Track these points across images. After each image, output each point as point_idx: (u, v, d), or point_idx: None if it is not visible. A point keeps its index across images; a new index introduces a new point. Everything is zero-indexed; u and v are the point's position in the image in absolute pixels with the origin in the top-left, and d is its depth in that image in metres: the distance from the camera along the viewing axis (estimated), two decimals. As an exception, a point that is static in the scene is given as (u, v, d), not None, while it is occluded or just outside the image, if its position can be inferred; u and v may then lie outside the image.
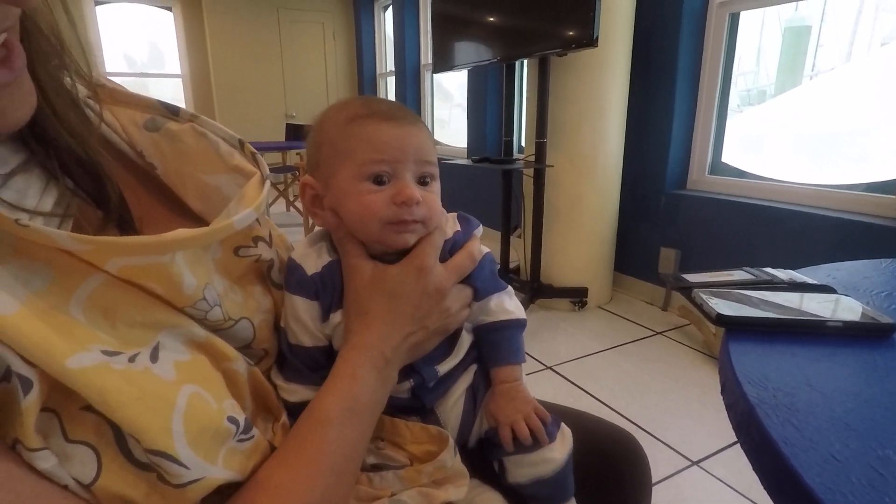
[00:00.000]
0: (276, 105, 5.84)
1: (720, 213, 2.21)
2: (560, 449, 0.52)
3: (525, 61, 2.48)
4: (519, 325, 0.54)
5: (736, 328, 0.46)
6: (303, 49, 5.85)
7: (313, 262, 0.49)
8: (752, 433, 0.34)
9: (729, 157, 2.36)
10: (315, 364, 0.47)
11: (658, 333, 2.21)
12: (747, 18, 2.23)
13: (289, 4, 5.66)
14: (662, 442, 1.49)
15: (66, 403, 0.29)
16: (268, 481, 0.36)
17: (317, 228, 0.54)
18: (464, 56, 2.67)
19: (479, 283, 0.52)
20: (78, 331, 0.29)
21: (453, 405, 0.53)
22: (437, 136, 4.92)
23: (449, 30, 2.72)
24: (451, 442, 0.48)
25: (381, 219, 0.46)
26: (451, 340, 0.53)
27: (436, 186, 0.50)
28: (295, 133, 4.92)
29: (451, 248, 0.51)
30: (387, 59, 5.82)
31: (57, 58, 0.34)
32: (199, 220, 0.45)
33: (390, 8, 5.22)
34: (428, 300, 0.47)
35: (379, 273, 0.47)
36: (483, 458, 0.56)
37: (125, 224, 0.37)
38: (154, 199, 0.44)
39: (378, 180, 0.47)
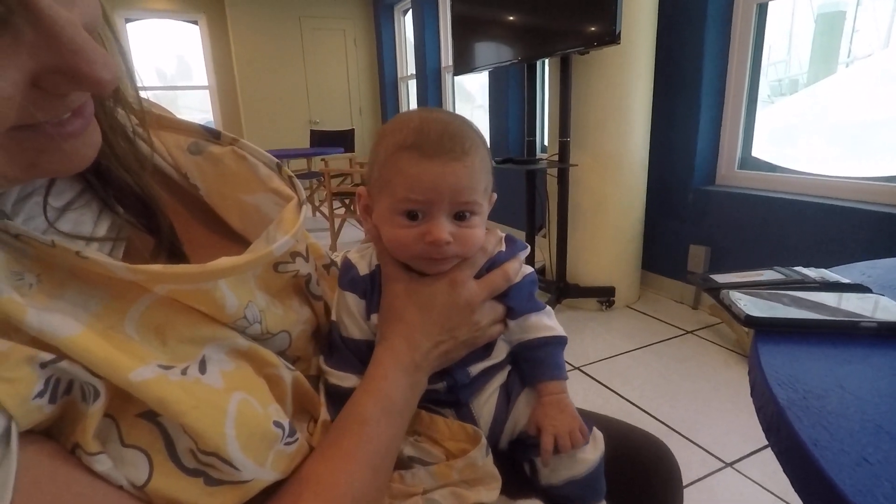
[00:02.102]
0: (300, 112, 5.95)
1: (751, 209, 2.15)
2: (592, 450, 0.53)
3: (546, 60, 2.47)
4: (559, 342, 0.54)
5: (765, 329, 0.45)
6: (325, 56, 5.95)
7: (365, 262, 0.52)
8: (781, 435, 0.34)
9: (759, 150, 2.31)
10: (363, 356, 0.49)
11: (688, 332, 2.17)
12: (777, 6, 2.17)
13: (310, 13, 5.77)
14: (694, 443, 1.47)
15: (124, 411, 0.31)
16: (310, 476, 0.38)
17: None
18: (484, 57, 2.68)
19: (514, 303, 0.53)
20: (134, 347, 0.32)
21: (486, 401, 0.54)
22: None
23: (469, 31, 2.73)
24: (483, 441, 0.50)
25: (411, 253, 0.49)
26: (487, 347, 0.54)
27: (477, 220, 0.50)
28: (319, 139, 5.01)
29: (489, 267, 0.53)
30: (407, 62, 5.86)
31: (112, 94, 0.37)
32: (239, 238, 0.47)
33: (410, 12, 5.26)
34: (458, 313, 0.49)
35: (413, 284, 0.50)
36: (514, 461, 0.56)
37: (174, 248, 0.40)
38: (197, 220, 0.46)
39: (411, 216, 0.48)
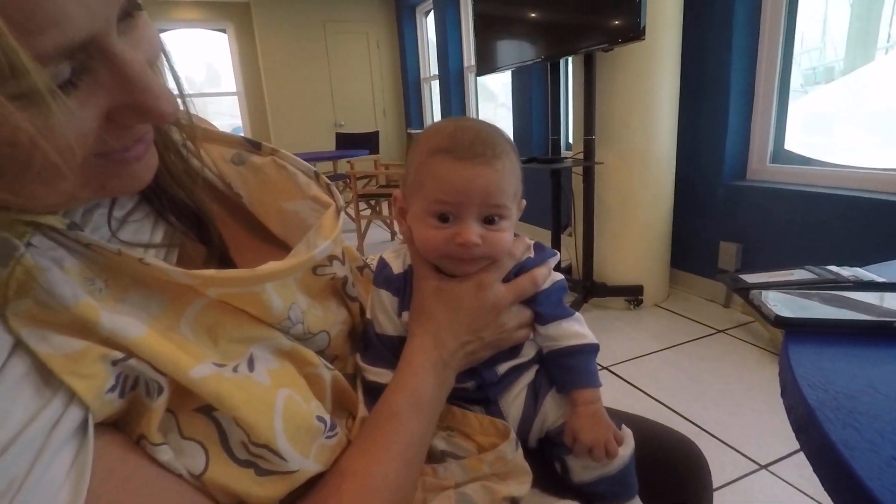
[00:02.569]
0: (326, 115, 6.04)
1: (784, 205, 2.10)
2: (623, 447, 0.53)
3: (570, 58, 2.46)
4: (591, 349, 0.54)
5: (796, 330, 0.45)
6: (348, 59, 6.03)
7: (399, 263, 0.55)
8: (811, 436, 0.34)
9: (792, 143, 2.24)
10: (396, 351, 0.51)
11: (720, 331, 2.13)
12: (809, -5, 2.10)
13: (334, 17, 5.85)
14: (727, 444, 1.44)
15: (183, 406, 0.34)
16: (348, 469, 0.40)
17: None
18: (507, 57, 2.67)
19: (542, 308, 0.54)
20: (190, 347, 0.34)
21: (515, 398, 0.55)
22: (483, 138, 4.92)
23: (491, 31, 2.73)
24: (513, 435, 0.51)
25: (441, 253, 0.51)
26: (514, 348, 0.55)
27: (505, 224, 0.51)
28: (344, 142, 5.07)
29: (517, 272, 0.54)
30: (430, 63, 5.89)
31: None
32: (280, 243, 0.51)
33: (431, 13, 5.28)
34: (485, 314, 0.51)
35: (443, 285, 0.52)
36: (545, 459, 0.57)
37: (223, 255, 0.44)
38: (241, 226, 0.50)
39: (442, 218, 0.50)
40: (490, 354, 0.53)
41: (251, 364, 0.37)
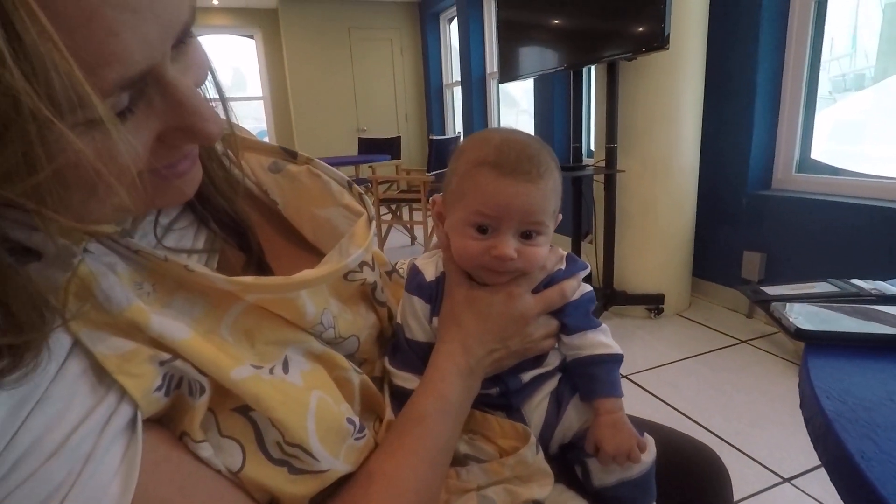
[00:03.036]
0: (349, 120, 6.12)
1: (810, 215, 2.07)
2: (645, 454, 0.54)
3: (593, 66, 2.46)
4: (615, 359, 0.55)
5: (816, 343, 0.46)
6: (372, 65, 6.11)
7: (432, 271, 0.56)
8: (829, 446, 0.35)
9: (819, 152, 2.21)
10: (425, 357, 0.52)
11: (742, 342, 2.11)
12: (837, 1, 2.07)
13: (359, 23, 5.94)
14: (749, 456, 1.43)
15: (222, 405, 0.36)
16: (377, 471, 0.42)
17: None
18: (530, 65, 2.69)
19: (569, 319, 0.55)
20: (230, 349, 0.36)
21: (537, 406, 0.56)
22: (504, 144, 4.93)
23: (515, 38, 2.74)
24: (533, 439, 0.52)
25: (476, 264, 0.52)
26: (538, 357, 0.56)
27: (542, 240, 0.52)
28: (366, 147, 5.13)
29: (547, 283, 0.55)
30: (452, 69, 5.93)
31: None
32: (312, 249, 0.53)
33: (455, 20, 5.32)
34: (513, 324, 0.52)
35: (474, 293, 0.53)
36: (566, 464, 0.58)
37: (260, 262, 0.46)
38: (276, 232, 0.52)
39: (481, 229, 0.51)
40: (515, 363, 0.54)
41: (286, 366, 0.39)
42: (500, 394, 0.55)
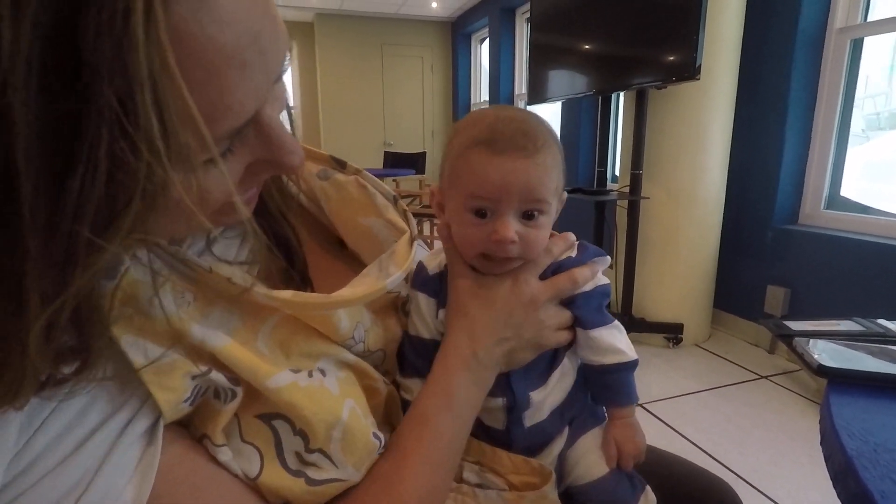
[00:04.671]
0: (376, 134, 6.22)
1: (838, 252, 2.03)
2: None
3: (622, 92, 2.48)
4: (631, 366, 0.53)
5: (839, 380, 0.46)
6: (402, 81, 6.22)
7: (435, 265, 0.55)
8: (849, 485, 0.35)
9: (849, 189, 2.17)
10: (429, 357, 0.51)
11: (763, 377, 2.06)
12: (875, 39, 2.06)
13: (392, 40, 6.07)
14: (765, 495, 1.39)
15: (247, 411, 0.37)
16: (377, 475, 0.41)
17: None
18: (559, 88, 2.71)
19: (581, 312, 0.52)
20: (266, 359, 0.37)
21: (550, 463, 0.54)
22: (528, 164, 4.95)
23: (545, 61, 2.78)
24: (554, 477, 0.50)
25: (478, 251, 0.49)
26: (549, 369, 0.54)
27: (543, 220, 0.49)
28: (392, 161, 5.20)
29: (554, 270, 0.52)
30: (481, 89, 6.00)
31: None
32: (350, 256, 0.54)
33: (487, 41, 5.40)
34: (522, 309, 0.50)
35: (478, 282, 0.51)
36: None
37: (302, 275, 0.47)
38: (316, 240, 0.53)
39: (479, 213, 0.48)
40: (531, 356, 0.52)
41: (323, 371, 0.40)
42: (505, 408, 0.53)
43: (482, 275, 0.51)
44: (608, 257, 0.54)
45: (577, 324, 0.53)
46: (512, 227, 0.47)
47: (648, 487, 0.55)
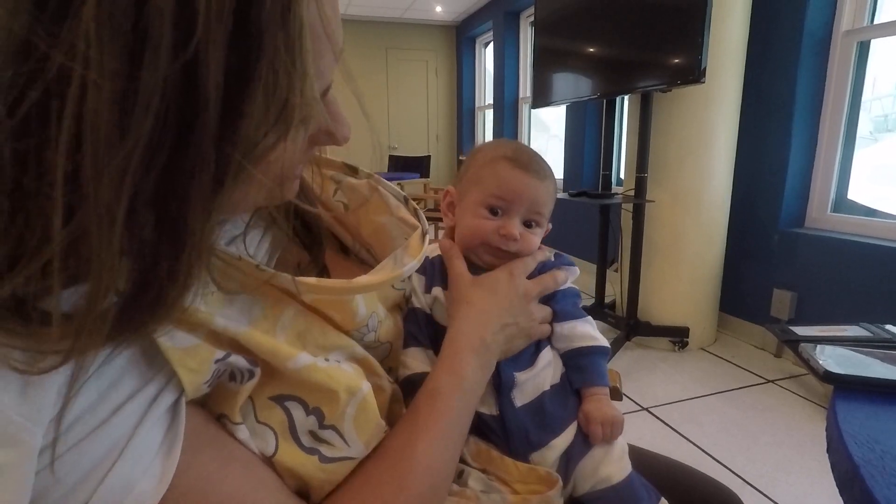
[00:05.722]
0: (380, 138, 6.23)
1: (844, 256, 2.02)
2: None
3: (626, 96, 2.48)
4: (601, 351, 0.60)
5: (846, 386, 0.46)
6: (407, 85, 6.24)
7: (432, 251, 0.61)
8: (855, 493, 0.35)
9: (856, 192, 2.16)
10: (419, 325, 0.57)
11: (769, 381, 2.05)
12: (882, 41, 2.05)
13: (397, 45, 6.09)
14: (772, 500, 1.38)
15: (260, 393, 0.38)
16: (388, 446, 0.43)
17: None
18: (563, 91, 2.71)
19: (559, 306, 0.61)
20: (285, 345, 0.39)
21: (554, 462, 0.55)
22: (532, 167, 4.96)
23: (550, 65, 2.78)
24: (560, 483, 0.51)
25: (483, 240, 0.59)
26: (534, 354, 0.59)
27: (538, 230, 0.61)
28: (396, 164, 5.21)
29: (540, 269, 0.61)
30: (485, 93, 6.01)
31: None
32: (359, 260, 0.56)
33: (491, 45, 5.41)
34: (518, 300, 0.56)
35: (479, 276, 0.58)
36: None
37: (321, 263, 0.49)
38: (329, 241, 0.55)
39: (493, 211, 0.59)
40: (524, 344, 0.57)
41: (338, 360, 0.42)
42: (492, 386, 0.55)
43: (478, 270, 0.59)
44: (577, 267, 0.65)
45: (556, 318, 0.61)
46: (517, 227, 0.58)
47: (664, 499, 0.55)
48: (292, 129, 0.29)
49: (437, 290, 0.59)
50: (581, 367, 0.59)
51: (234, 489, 0.34)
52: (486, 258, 0.60)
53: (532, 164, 0.59)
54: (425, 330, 0.57)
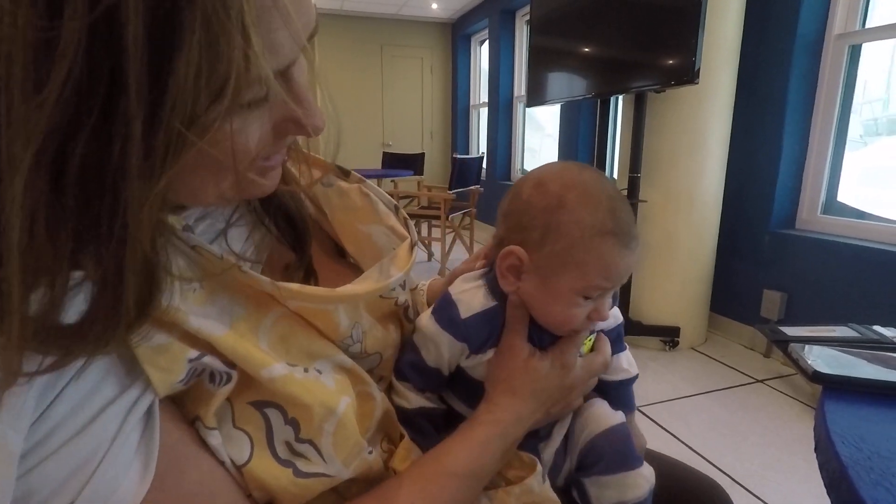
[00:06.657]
0: (375, 135, 6.22)
1: (834, 257, 2.04)
2: (645, 479, 0.53)
3: (620, 95, 2.48)
4: (632, 381, 0.61)
5: (834, 387, 0.46)
6: (402, 82, 6.22)
7: (468, 302, 0.52)
8: (842, 493, 0.35)
9: (846, 195, 2.18)
10: (429, 377, 0.52)
11: (758, 381, 2.07)
12: (874, 45, 2.07)
13: (392, 41, 6.07)
14: (760, 499, 1.39)
15: (241, 397, 0.37)
16: (375, 491, 0.42)
17: (472, 266, 0.58)
18: (558, 90, 2.72)
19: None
20: (265, 350, 0.38)
21: (546, 447, 0.56)
22: (527, 167, 4.97)
23: (545, 64, 2.78)
24: (539, 468, 0.51)
25: (574, 328, 0.52)
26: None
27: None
28: (390, 161, 5.20)
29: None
30: (480, 91, 6.01)
31: None
32: (348, 263, 0.55)
33: (486, 43, 5.41)
34: (561, 392, 0.53)
35: (533, 362, 0.51)
36: (572, 498, 0.57)
37: (308, 265, 0.47)
38: (318, 244, 0.53)
39: (588, 297, 0.50)
40: (546, 422, 0.56)
41: (319, 371, 0.41)
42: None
43: (535, 352, 0.52)
44: (621, 318, 0.60)
45: None
46: (609, 307, 0.53)
47: (647, 464, 0.56)
48: (243, 107, 0.28)
49: (492, 353, 0.52)
50: (612, 397, 0.60)
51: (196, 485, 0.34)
52: (555, 332, 0.53)
53: (632, 230, 0.49)
54: (435, 381, 0.53)
